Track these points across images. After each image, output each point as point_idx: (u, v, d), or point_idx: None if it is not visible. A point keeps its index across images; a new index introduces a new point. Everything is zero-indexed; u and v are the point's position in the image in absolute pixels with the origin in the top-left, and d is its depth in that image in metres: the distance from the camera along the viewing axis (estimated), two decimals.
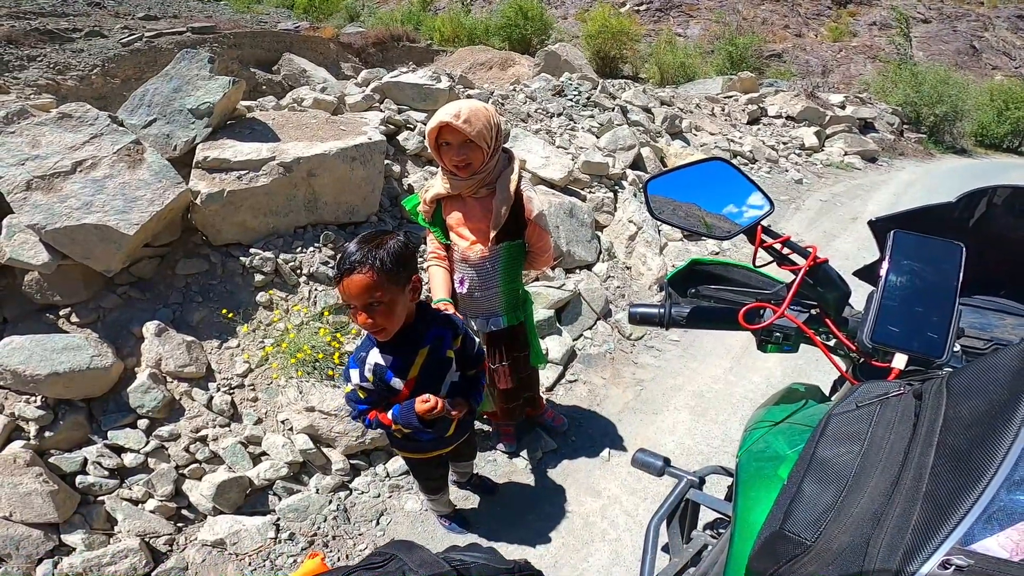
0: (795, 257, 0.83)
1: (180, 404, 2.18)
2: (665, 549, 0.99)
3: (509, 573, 0.61)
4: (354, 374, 1.35)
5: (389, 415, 1.37)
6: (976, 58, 20.36)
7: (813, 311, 0.89)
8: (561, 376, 2.74)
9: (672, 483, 1.01)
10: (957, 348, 0.79)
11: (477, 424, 2.34)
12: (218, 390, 2.25)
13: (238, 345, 2.39)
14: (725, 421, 2.50)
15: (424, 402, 1.32)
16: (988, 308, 0.92)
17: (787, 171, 6.35)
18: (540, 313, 2.80)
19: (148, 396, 2.11)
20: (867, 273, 0.94)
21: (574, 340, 2.93)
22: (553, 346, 2.76)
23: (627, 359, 2.94)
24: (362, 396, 1.37)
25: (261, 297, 2.53)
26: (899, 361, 0.71)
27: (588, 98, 5.10)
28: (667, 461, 1.02)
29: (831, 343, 0.87)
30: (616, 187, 3.99)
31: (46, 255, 2.13)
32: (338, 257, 1.22)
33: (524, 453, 2.30)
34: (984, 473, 0.41)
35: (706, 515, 1.04)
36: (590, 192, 3.83)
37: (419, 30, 12.63)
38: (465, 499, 2.11)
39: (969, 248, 0.76)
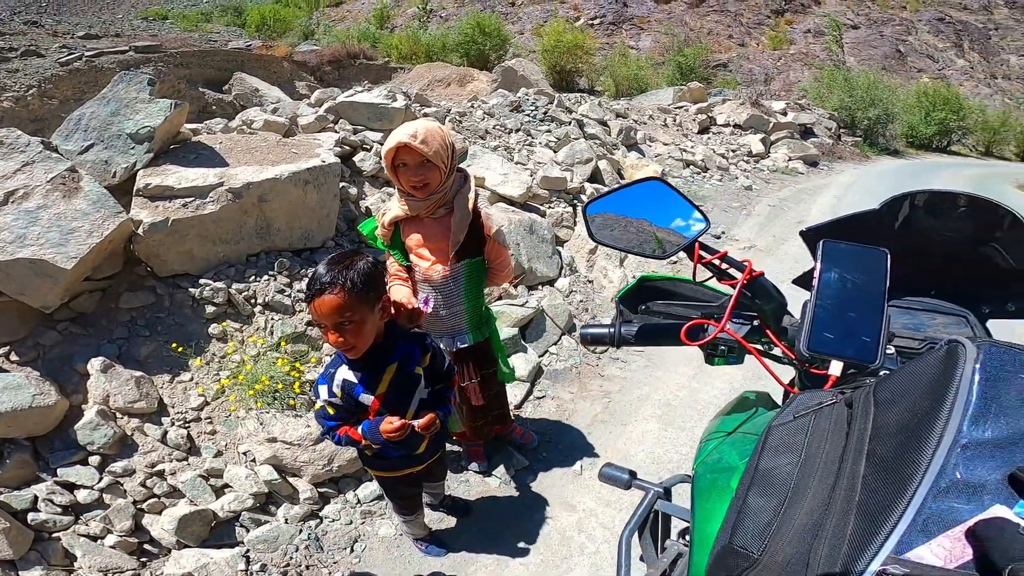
0: (733, 272, 0.85)
1: (132, 440, 2.11)
2: (644, 559, 1.00)
3: None
4: (323, 390, 1.38)
5: (359, 430, 1.39)
6: (902, 62, 21.87)
7: (755, 322, 0.91)
8: (529, 393, 2.74)
9: (641, 495, 1.01)
10: (891, 351, 0.82)
11: (447, 445, 2.32)
12: (172, 424, 2.17)
13: (191, 379, 2.30)
14: (692, 428, 2.55)
15: (389, 423, 1.34)
16: (919, 309, 0.95)
17: (737, 178, 6.61)
18: (504, 331, 2.80)
19: (97, 433, 2.04)
20: (804, 281, 0.97)
21: (540, 356, 2.93)
22: (519, 363, 2.76)
23: (593, 372, 2.97)
24: (331, 412, 1.41)
25: (214, 329, 2.43)
26: (835, 368, 0.73)
27: (545, 113, 5.19)
28: (633, 474, 1.02)
29: (776, 351, 0.89)
30: (575, 201, 4.05)
31: None
32: (308, 278, 1.25)
33: (496, 472, 2.28)
34: (910, 482, 0.42)
35: (680, 523, 1.05)
36: (549, 207, 3.87)
37: (376, 48, 12.58)
38: (440, 521, 2.08)
39: (896, 251, 0.79)
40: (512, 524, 2.07)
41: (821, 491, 0.51)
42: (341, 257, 1.25)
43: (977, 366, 0.46)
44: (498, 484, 2.24)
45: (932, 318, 0.93)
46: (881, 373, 0.71)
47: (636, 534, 0.95)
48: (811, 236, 0.95)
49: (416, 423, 1.40)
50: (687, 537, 1.03)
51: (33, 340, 2.17)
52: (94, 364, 2.15)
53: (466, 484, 2.25)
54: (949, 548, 0.39)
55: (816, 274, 0.78)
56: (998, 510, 0.40)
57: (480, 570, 1.91)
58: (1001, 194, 8.81)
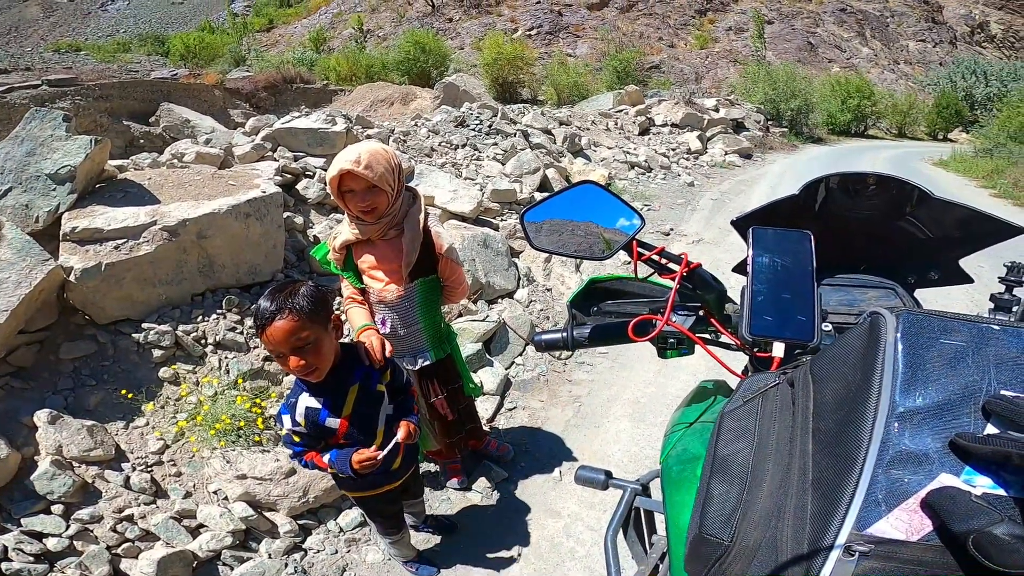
0: (672, 265, 0.88)
1: (94, 487, 2.01)
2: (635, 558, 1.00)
3: None
4: (286, 419, 1.37)
5: (325, 459, 1.38)
6: (814, 53, 23.49)
7: (700, 313, 0.94)
8: (500, 405, 2.73)
9: (619, 494, 1.02)
10: (829, 327, 0.85)
11: (424, 466, 2.28)
12: (134, 469, 2.09)
13: (147, 423, 2.19)
14: (664, 422, 2.60)
15: (360, 460, 1.34)
16: (851, 285, 0.99)
17: (679, 176, 6.88)
18: (468, 348, 2.78)
19: (56, 482, 1.94)
20: (742, 268, 1.01)
21: (506, 368, 2.93)
22: (487, 377, 2.75)
23: (561, 379, 2.99)
24: (296, 439, 1.39)
25: (164, 372, 2.31)
26: (777, 350, 0.74)
27: (490, 126, 5.23)
28: (608, 474, 1.02)
29: (725, 339, 0.92)
30: None
31: None
32: (254, 315, 1.22)
33: (477, 486, 2.26)
34: (856, 456, 0.42)
35: (664, 518, 1.06)
36: (502, 220, 3.89)
37: (313, 71, 12.34)
38: (427, 541, 2.04)
39: (821, 232, 0.83)
40: (499, 536, 2.05)
41: (777, 473, 0.52)
42: (281, 287, 1.24)
43: (898, 335, 0.46)
44: (480, 498, 2.22)
45: (863, 293, 0.97)
46: (807, 357, 0.74)
47: (621, 533, 0.95)
48: (741, 224, 0.98)
49: (397, 438, 1.40)
50: None
51: None
52: (40, 416, 2.04)
53: (448, 502, 2.21)
54: (907, 520, 0.39)
55: (749, 261, 0.81)
56: (945, 479, 0.40)
57: None
58: (917, 171, 9.57)
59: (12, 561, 1.80)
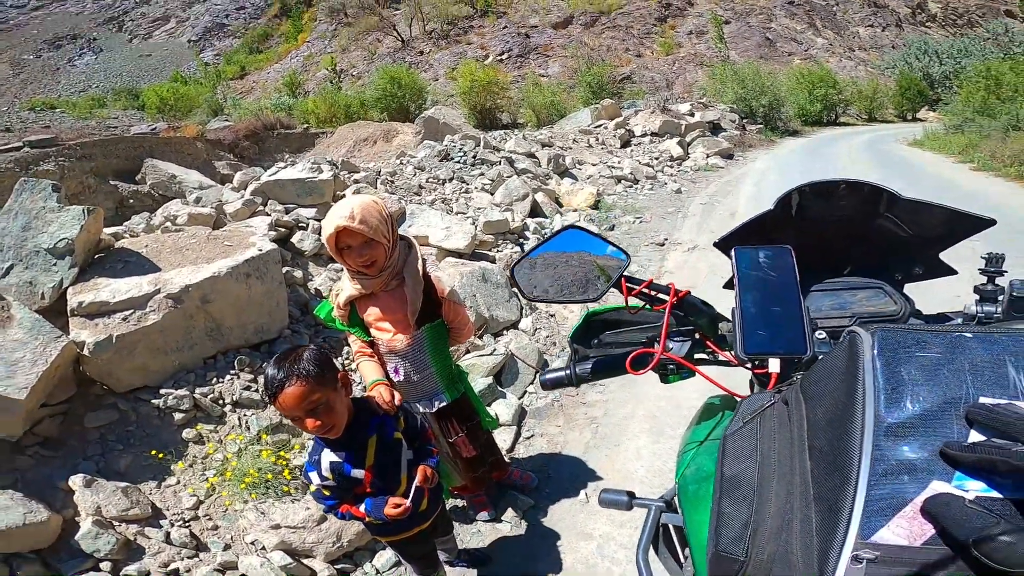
0: (662, 296, 0.90)
1: (136, 543, 2.06)
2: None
3: None
4: (313, 476, 1.39)
5: (362, 508, 1.42)
6: (773, 48, 24.07)
7: (696, 336, 0.95)
8: (517, 435, 2.74)
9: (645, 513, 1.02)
10: (822, 335, 0.88)
11: (451, 502, 2.29)
12: (172, 525, 2.12)
13: (178, 481, 2.23)
14: (681, 435, 2.62)
15: (395, 507, 1.39)
16: (840, 288, 1.01)
17: (666, 184, 7.00)
18: (480, 382, 2.80)
19: (100, 540, 1.98)
20: (732, 286, 1.04)
21: (519, 399, 2.94)
22: (501, 409, 2.76)
23: (575, 402, 3.01)
24: (327, 494, 1.42)
25: (187, 433, 2.34)
26: (773, 366, 0.75)
27: (474, 156, 5.31)
28: (631, 494, 1.02)
29: (721, 358, 0.94)
30: (521, 240, 4.15)
31: None
32: (262, 384, 1.26)
33: (504, 517, 2.26)
34: (850, 471, 0.45)
35: None
36: (497, 251, 3.93)
37: (292, 115, 12.49)
38: None
39: (802, 242, 0.86)
40: (534, 564, 2.05)
41: (781, 489, 0.55)
42: (284, 355, 1.28)
43: (875, 352, 0.48)
44: (509, 528, 2.22)
45: (853, 294, 0.99)
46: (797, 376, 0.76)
47: (652, 550, 0.95)
48: (723, 246, 1.00)
49: (415, 482, 1.44)
50: None
51: (7, 466, 2.10)
52: (75, 480, 2.09)
53: (478, 534, 2.21)
54: (908, 527, 0.41)
55: (736, 281, 0.83)
56: (938, 486, 0.42)
57: None
58: (893, 152, 9.76)
59: None
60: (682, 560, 1.01)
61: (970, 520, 0.39)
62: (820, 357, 0.72)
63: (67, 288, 2.39)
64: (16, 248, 2.42)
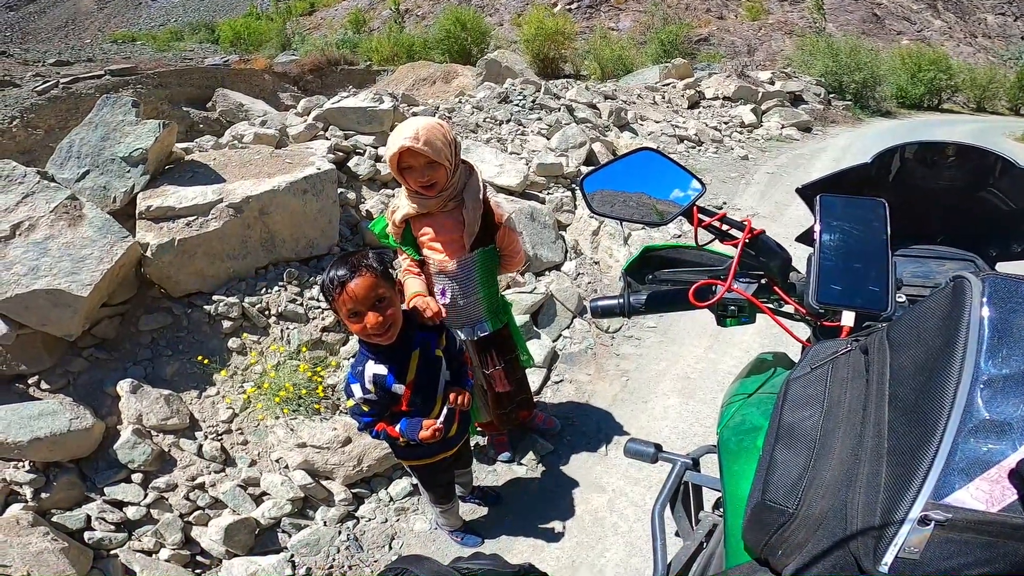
0: (734, 232, 0.85)
1: (170, 455, 2.17)
2: (679, 535, 1.00)
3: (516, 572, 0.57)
4: (356, 389, 1.41)
5: (397, 428, 1.44)
6: (880, 25, 21.67)
7: (762, 281, 0.91)
8: (546, 378, 2.75)
9: (668, 469, 1.01)
10: (902, 298, 0.82)
11: (473, 439, 2.32)
12: (206, 438, 2.23)
13: (217, 392, 2.34)
14: (714, 399, 2.56)
15: (426, 428, 1.41)
16: (927, 256, 0.94)
17: (732, 149, 6.59)
18: (517, 319, 2.80)
19: (136, 451, 2.10)
20: (807, 238, 0.96)
21: (554, 341, 2.94)
22: (534, 350, 2.77)
23: (609, 352, 2.98)
24: (366, 409, 1.45)
25: (232, 343, 2.46)
26: (847, 319, 0.72)
27: (534, 101, 5.16)
28: (658, 447, 1.02)
29: (788, 308, 0.89)
30: (573, 186, 4.05)
31: (3, 326, 2.09)
32: (327, 281, 1.28)
33: (522, 460, 2.30)
34: (937, 424, 0.41)
35: (713, 495, 1.05)
36: (548, 194, 3.87)
37: (356, 53, 12.50)
38: (472, 512, 2.10)
39: (894, 202, 0.79)
40: (544, 509, 2.09)
41: (848, 440, 0.51)
42: (347, 255, 1.31)
43: (984, 300, 0.44)
44: (525, 471, 2.26)
45: (940, 264, 0.92)
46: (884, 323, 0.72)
47: (668, 508, 0.94)
48: (807, 193, 0.95)
49: (448, 403, 1.47)
50: (721, 509, 1.02)
51: (61, 368, 2.22)
52: (123, 386, 2.20)
53: (494, 474, 2.26)
54: (988, 491, 0.38)
55: (817, 229, 0.79)
56: None
57: (516, 557, 1.92)
58: (997, 145, 8.76)
59: (95, 530, 1.96)
60: (693, 523, 1.00)
61: None
62: (911, 307, 0.67)
63: (138, 193, 2.52)
64: (93, 156, 2.57)
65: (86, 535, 1.96)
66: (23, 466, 1.99)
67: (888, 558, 0.40)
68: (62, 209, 2.29)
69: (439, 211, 1.73)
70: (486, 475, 2.25)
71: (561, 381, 2.76)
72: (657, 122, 6.55)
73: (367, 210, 3.18)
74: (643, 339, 3.05)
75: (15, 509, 1.93)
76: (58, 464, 2.04)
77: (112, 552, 1.98)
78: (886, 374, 0.51)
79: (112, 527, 1.98)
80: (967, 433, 0.39)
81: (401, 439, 1.45)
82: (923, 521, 0.38)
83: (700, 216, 0.86)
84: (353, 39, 14.61)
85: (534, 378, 2.69)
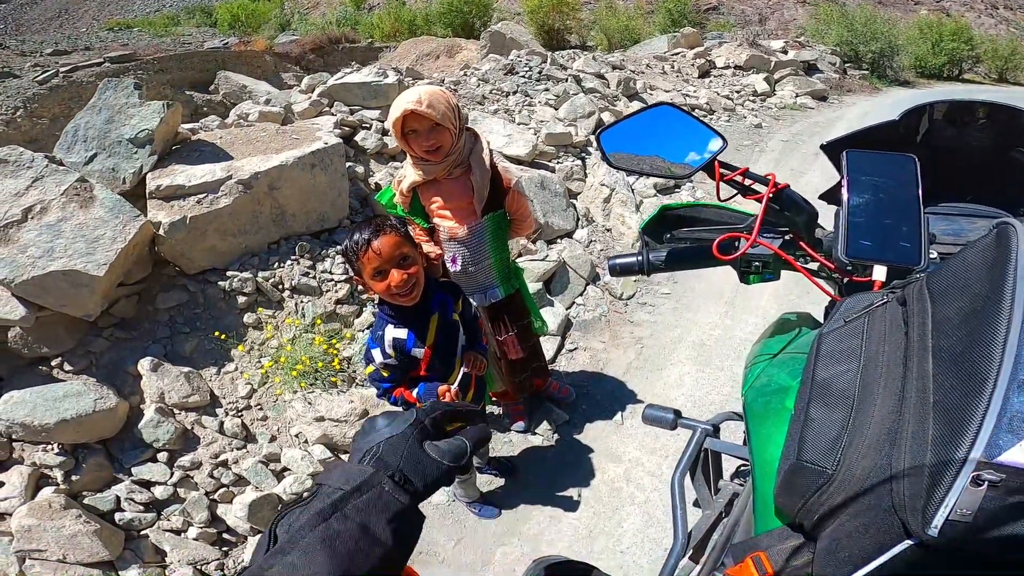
0: (757, 187, 0.83)
1: (193, 433, 2.19)
2: (697, 504, 0.98)
3: (414, 426, 0.48)
4: (376, 353, 1.43)
5: (414, 393, 1.43)
6: None
7: (787, 236, 0.89)
8: (560, 346, 2.74)
9: (688, 436, 0.99)
10: (934, 254, 0.79)
11: (488, 408, 2.34)
12: (227, 414, 2.25)
13: (236, 368, 2.36)
14: (731, 367, 2.54)
15: (443, 393, 1.39)
16: (958, 214, 0.92)
17: (745, 117, 6.44)
18: (529, 287, 2.78)
19: (160, 430, 2.12)
20: (831, 196, 0.94)
21: (567, 309, 2.93)
22: (548, 317, 2.75)
23: (623, 319, 2.96)
24: (385, 375, 1.45)
25: (248, 318, 2.47)
26: (879, 273, 0.70)
27: (540, 72, 5.06)
28: (678, 413, 1.00)
29: (812, 266, 0.87)
30: (583, 154, 3.98)
31: (22, 309, 2.09)
32: (350, 243, 1.30)
33: (539, 429, 2.31)
34: (987, 377, 0.38)
35: (732, 463, 1.03)
36: (558, 163, 3.82)
37: (357, 30, 12.29)
38: (489, 483, 2.11)
39: (922, 161, 0.76)
40: (560, 479, 2.10)
41: (889, 396, 0.48)
42: (369, 219, 1.33)
43: None
44: (541, 441, 2.27)
45: (972, 222, 0.90)
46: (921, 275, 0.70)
47: (688, 476, 0.93)
48: (832, 149, 0.93)
49: (464, 368, 1.47)
50: (741, 478, 1.01)
51: (83, 349, 2.24)
52: (144, 364, 2.22)
53: (510, 444, 2.27)
54: None
55: (845, 184, 0.76)
56: None
57: (534, 527, 1.94)
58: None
59: (125, 511, 1.99)
60: (713, 492, 0.99)
61: None
62: (951, 257, 0.65)
63: (146, 174, 2.52)
64: (99, 139, 2.56)
65: (116, 516, 1.98)
66: (52, 448, 2.01)
67: (938, 521, 0.37)
68: (72, 191, 2.29)
69: (446, 178, 1.72)
70: (502, 446, 2.26)
71: (575, 349, 2.75)
72: (667, 91, 6.40)
73: (376, 183, 3.16)
74: (657, 306, 3.03)
75: (47, 492, 1.94)
76: (85, 446, 2.06)
77: (142, 532, 2.00)
78: (928, 325, 0.48)
79: (141, 507, 2.01)
80: (1020, 386, 0.37)
81: (419, 404, 1.45)
82: (975, 481, 0.36)
83: (722, 170, 0.83)
84: (353, 16, 14.35)
85: (548, 346, 2.69)
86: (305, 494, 0.46)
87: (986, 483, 0.36)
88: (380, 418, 0.50)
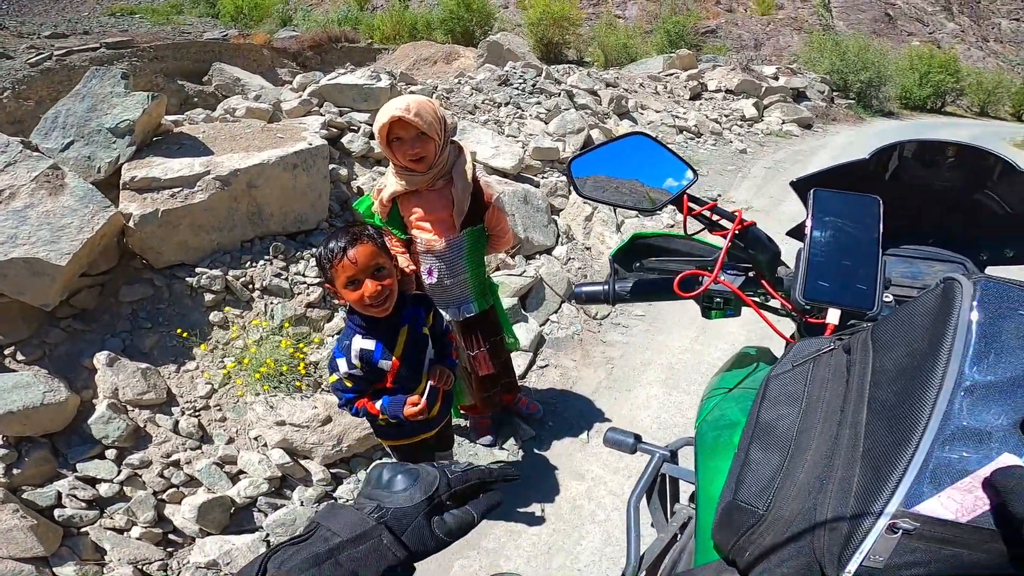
0: (724, 223, 0.84)
1: (145, 431, 2.13)
2: (654, 526, 0.99)
3: (429, 501, 0.48)
4: (341, 363, 1.39)
5: (377, 405, 1.42)
6: (892, 25, 21.42)
7: (750, 274, 0.90)
8: (532, 362, 2.74)
9: (647, 459, 1.00)
10: (889, 298, 0.81)
11: (454, 421, 2.33)
12: (183, 414, 2.19)
13: (197, 367, 2.30)
14: (698, 391, 2.56)
15: (413, 405, 1.39)
16: (917, 257, 0.93)
17: (731, 142, 6.55)
18: (505, 301, 2.78)
19: (111, 426, 2.06)
20: (798, 233, 0.95)
21: (541, 325, 2.93)
22: (521, 333, 2.76)
23: (595, 339, 2.97)
24: (349, 385, 1.43)
25: (214, 316, 2.42)
26: (832, 316, 0.71)
27: (534, 85, 5.10)
28: (638, 438, 1.02)
29: (774, 303, 0.88)
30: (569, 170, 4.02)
31: None
32: (325, 250, 1.28)
33: (504, 444, 2.30)
34: (914, 429, 0.39)
35: (689, 488, 1.04)
36: (543, 177, 3.84)
37: (358, 30, 12.29)
38: None
39: (889, 200, 0.78)
40: (522, 495, 2.09)
41: (824, 442, 0.49)
42: (346, 227, 1.31)
43: (974, 303, 0.43)
44: (507, 456, 2.26)
45: (930, 266, 0.92)
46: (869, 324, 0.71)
47: (644, 499, 0.94)
48: (801, 186, 0.93)
49: (431, 382, 1.45)
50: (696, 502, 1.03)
51: (38, 339, 2.17)
52: (100, 358, 2.16)
53: (475, 458, 2.26)
54: (960, 500, 0.37)
55: (808, 223, 0.77)
56: (1008, 459, 0.37)
57: (493, 541, 1.93)
58: (996, 150, 8.72)
59: (65, 508, 1.92)
60: (668, 516, 1.00)
61: None
62: (898, 307, 0.65)
63: (123, 164, 2.47)
64: (79, 127, 2.51)
65: (56, 512, 1.92)
66: None
67: (852, 566, 0.39)
68: (43, 178, 2.24)
69: (427, 189, 1.71)
70: (467, 459, 2.25)
71: (546, 366, 2.76)
72: (657, 112, 6.50)
73: (358, 187, 3.14)
74: (630, 327, 3.05)
75: None
76: (30, 439, 1.99)
77: (83, 530, 1.94)
78: (867, 375, 0.49)
79: (83, 504, 1.94)
80: (944, 440, 0.38)
81: (381, 416, 1.43)
82: (891, 529, 0.38)
83: (690, 204, 0.84)
84: (355, 15, 14.36)
85: (519, 362, 2.69)
86: (300, 530, 0.45)
87: (900, 531, 0.37)
88: (401, 476, 0.50)
